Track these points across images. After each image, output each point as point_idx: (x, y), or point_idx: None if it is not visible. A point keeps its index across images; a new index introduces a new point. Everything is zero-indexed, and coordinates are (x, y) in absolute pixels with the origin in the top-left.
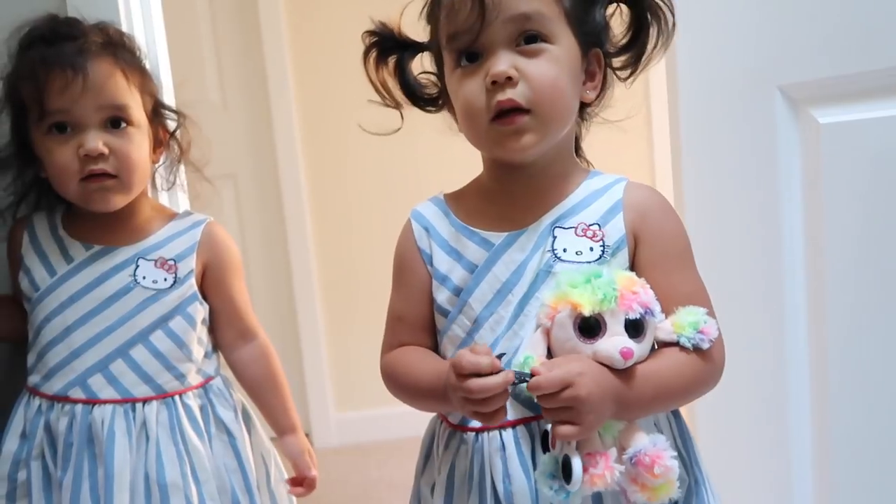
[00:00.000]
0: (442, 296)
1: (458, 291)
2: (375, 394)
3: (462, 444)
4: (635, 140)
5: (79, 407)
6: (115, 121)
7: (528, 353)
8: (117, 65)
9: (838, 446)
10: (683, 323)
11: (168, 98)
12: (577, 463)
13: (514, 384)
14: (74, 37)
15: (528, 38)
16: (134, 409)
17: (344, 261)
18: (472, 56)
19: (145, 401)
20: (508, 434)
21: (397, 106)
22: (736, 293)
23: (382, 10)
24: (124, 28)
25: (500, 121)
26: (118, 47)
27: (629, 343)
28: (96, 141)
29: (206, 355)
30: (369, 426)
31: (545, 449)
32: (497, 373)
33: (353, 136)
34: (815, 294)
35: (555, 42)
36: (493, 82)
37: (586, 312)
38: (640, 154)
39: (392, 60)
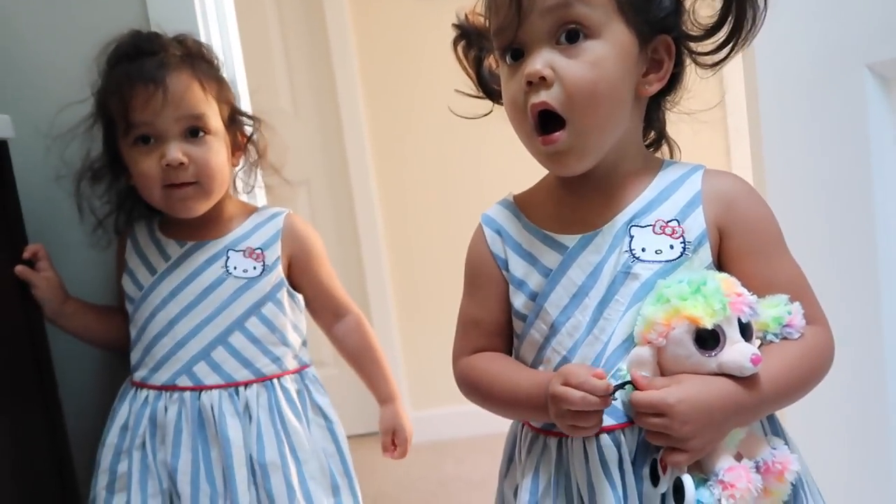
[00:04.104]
0: (519, 301)
1: (534, 296)
2: (450, 391)
3: (545, 450)
4: (710, 129)
5: (187, 394)
6: (194, 130)
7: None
8: (195, 76)
9: None
10: (766, 320)
11: (244, 105)
12: (688, 483)
13: (612, 391)
14: (155, 52)
15: (570, 32)
16: (237, 393)
17: (416, 262)
18: (517, 54)
19: (247, 384)
20: (592, 444)
21: (482, 97)
22: (827, 286)
23: (448, 15)
24: (203, 41)
25: (542, 138)
26: (196, 59)
27: (755, 349)
28: (176, 151)
29: (304, 343)
30: (445, 424)
31: (655, 481)
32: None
33: (422, 139)
34: None
35: (600, 35)
36: (529, 82)
37: (709, 325)
38: (715, 145)
39: (472, 52)
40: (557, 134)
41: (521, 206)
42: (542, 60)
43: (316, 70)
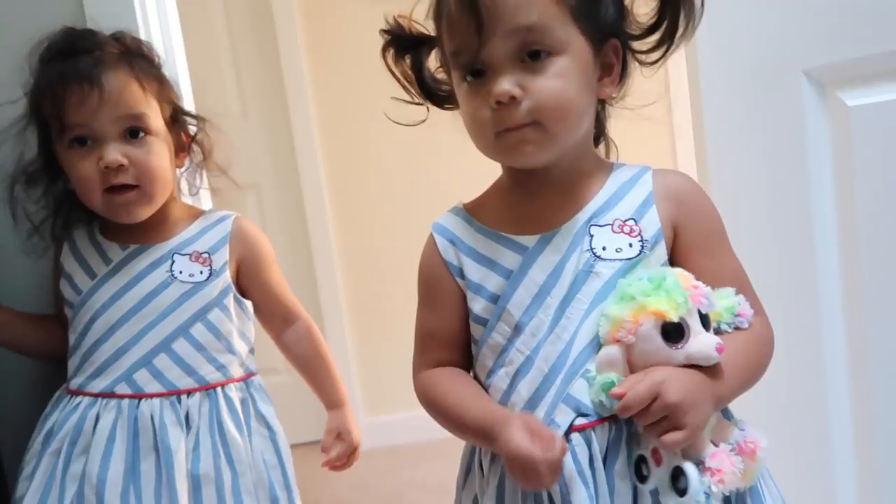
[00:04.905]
0: (478, 305)
1: (494, 299)
2: (405, 397)
3: None
4: (656, 131)
5: (125, 402)
6: (134, 131)
7: (611, 375)
8: (133, 74)
9: (881, 436)
10: (719, 309)
11: (188, 107)
12: (691, 469)
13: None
14: (89, 49)
15: (533, 52)
16: (179, 401)
17: (369, 266)
18: (477, 72)
19: (189, 392)
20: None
21: (422, 102)
22: (768, 284)
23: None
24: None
25: (508, 130)
26: (134, 56)
27: (718, 339)
28: (115, 153)
29: (251, 351)
30: (400, 429)
31: (642, 478)
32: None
33: (374, 141)
34: (850, 280)
35: (562, 51)
36: (498, 102)
37: (675, 318)
38: (661, 145)
39: (408, 58)
40: (527, 128)
41: (473, 212)
42: (511, 81)
43: (264, 71)
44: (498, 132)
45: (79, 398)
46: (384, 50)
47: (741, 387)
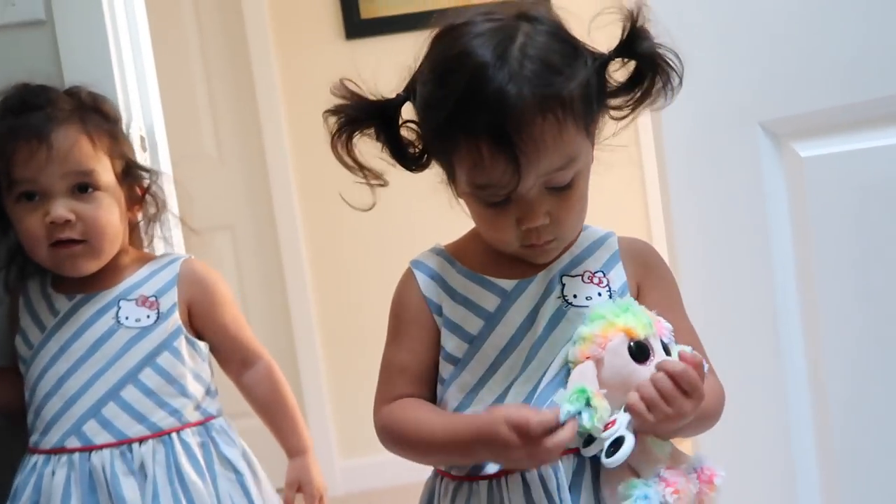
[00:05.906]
0: (451, 343)
1: (470, 339)
2: None
3: (473, 495)
4: (629, 184)
5: (76, 456)
6: (82, 186)
7: (581, 385)
8: (84, 130)
9: (845, 479)
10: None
11: (164, 154)
12: (629, 439)
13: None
14: (41, 105)
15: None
16: (131, 450)
17: (344, 308)
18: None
19: (141, 440)
20: (533, 474)
21: (379, 178)
22: (730, 330)
23: (377, 58)
24: (118, 88)
25: (533, 246)
26: (87, 112)
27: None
28: (61, 209)
29: (208, 393)
30: (375, 473)
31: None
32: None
33: (349, 184)
34: (810, 326)
35: (584, 169)
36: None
37: (641, 336)
38: (633, 200)
39: (371, 129)
40: (552, 242)
41: (454, 254)
42: (541, 211)
43: (240, 113)
44: (522, 245)
45: (35, 457)
46: (337, 134)
47: (697, 423)
